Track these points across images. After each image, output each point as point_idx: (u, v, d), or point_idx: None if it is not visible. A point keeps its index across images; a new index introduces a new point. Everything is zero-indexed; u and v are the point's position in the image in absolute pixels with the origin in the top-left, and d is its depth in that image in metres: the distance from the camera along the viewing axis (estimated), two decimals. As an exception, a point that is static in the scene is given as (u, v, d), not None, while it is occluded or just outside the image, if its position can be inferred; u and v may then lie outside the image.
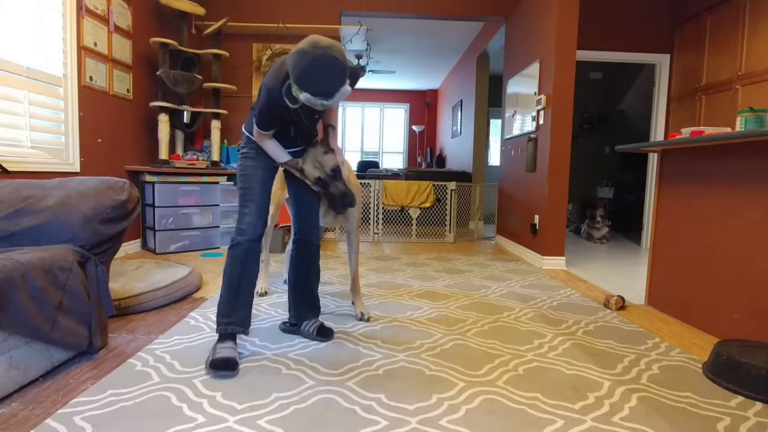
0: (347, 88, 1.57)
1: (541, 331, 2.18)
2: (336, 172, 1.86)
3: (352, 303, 2.39)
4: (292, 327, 2.09)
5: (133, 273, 2.62)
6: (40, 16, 2.86)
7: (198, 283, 2.75)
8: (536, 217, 3.91)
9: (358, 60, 7.56)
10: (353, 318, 2.29)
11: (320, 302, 2.13)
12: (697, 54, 4.34)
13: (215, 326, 1.82)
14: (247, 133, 1.94)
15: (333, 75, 1.53)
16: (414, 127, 9.93)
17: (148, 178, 3.83)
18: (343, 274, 3.27)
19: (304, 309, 2.07)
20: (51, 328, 1.50)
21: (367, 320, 2.26)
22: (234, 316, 1.80)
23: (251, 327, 2.11)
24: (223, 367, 1.63)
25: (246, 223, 1.84)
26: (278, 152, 1.88)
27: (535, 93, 3.96)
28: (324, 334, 2.01)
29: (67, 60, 3.06)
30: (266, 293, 2.68)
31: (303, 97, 1.54)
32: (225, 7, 4.77)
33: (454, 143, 8.03)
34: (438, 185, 5.14)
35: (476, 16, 4.90)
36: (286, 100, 1.67)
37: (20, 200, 1.77)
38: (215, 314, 1.94)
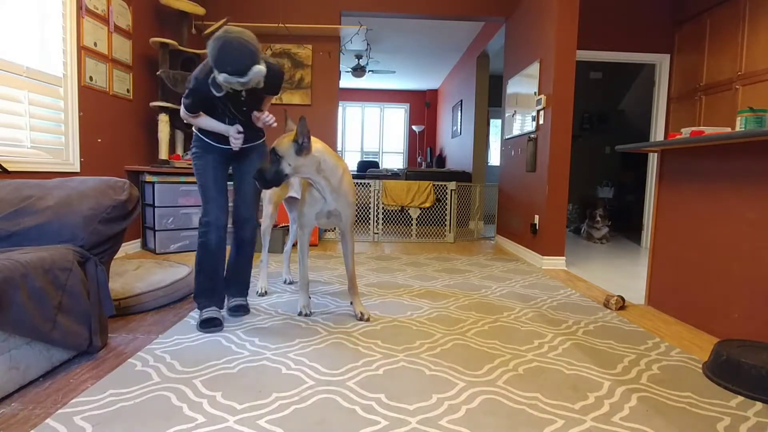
0: (261, 68, 1.77)
1: (541, 331, 2.18)
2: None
3: (351, 303, 2.39)
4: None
5: (133, 273, 2.62)
6: (40, 16, 2.86)
7: (198, 283, 2.74)
8: (536, 217, 3.91)
9: (358, 60, 7.56)
10: (353, 318, 2.29)
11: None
12: (697, 54, 4.34)
13: (197, 306, 2.16)
14: (196, 132, 2.15)
15: (243, 55, 1.73)
16: (414, 127, 9.93)
17: (148, 178, 3.83)
18: (343, 274, 3.27)
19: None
20: (51, 328, 1.50)
21: (367, 320, 2.26)
22: (214, 299, 2.16)
23: (251, 327, 2.12)
24: (211, 325, 2.05)
25: (211, 217, 2.10)
26: (217, 125, 2.06)
27: (535, 93, 3.96)
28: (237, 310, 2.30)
29: (67, 60, 3.06)
30: (266, 293, 2.68)
31: (222, 78, 1.75)
32: (225, 7, 4.77)
33: (454, 143, 8.03)
34: (438, 185, 5.14)
35: (476, 16, 4.90)
36: (212, 90, 1.89)
37: (20, 200, 1.77)
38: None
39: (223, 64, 1.73)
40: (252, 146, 2.22)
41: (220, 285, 2.19)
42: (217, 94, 1.91)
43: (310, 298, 2.47)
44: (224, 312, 2.28)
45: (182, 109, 2.01)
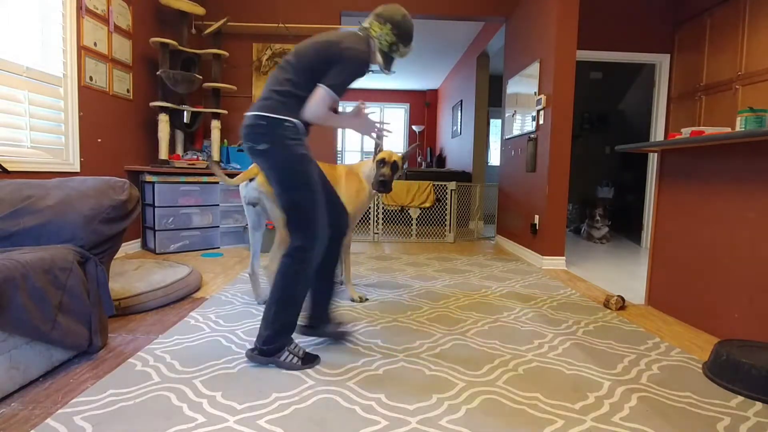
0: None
1: (541, 331, 2.18)
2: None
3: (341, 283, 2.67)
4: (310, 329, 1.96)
5: (133, 273, 2.62)
6: (40, 16, 2.86)
7: (198, 283, 2.75)
8: (536, 217, 3.91)
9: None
10: (353, 318, 2.29)
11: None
12: (697, 54, 4.34)
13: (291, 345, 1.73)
14: (296, 122, 1.72)
15: None
16: (414, 127, 9.92)
17: (148, 178, 3.83)
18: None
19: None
20: (51, 328, 1.50)
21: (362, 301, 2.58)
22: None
23: (251, 327, 2.12)
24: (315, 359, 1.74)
25: (322, 243, 1.72)
26: (344, 122, 1.91)
27: (535, 93, 3.96)
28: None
29: (67, 60, 3.06)
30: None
31: (409, 48, 1.95)
32: (225, 7, 4.77)
33: (454, 143, 8.03)
34: (438, 185, 5.14)
35: (476, 16, 4.90)
36: (381, 66, 1.94)
37: (20, 200, 1.77)
38: (215, 315, 2.13)
39: (412, 35, 1.95)
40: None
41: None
42: (388, 73, 1.99)
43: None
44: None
45: (322, 103, 1.70)
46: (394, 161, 2.56)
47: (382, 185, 2.50)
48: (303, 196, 1.69)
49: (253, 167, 2.31)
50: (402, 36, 1.90)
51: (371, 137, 1.98)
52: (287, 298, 1.67)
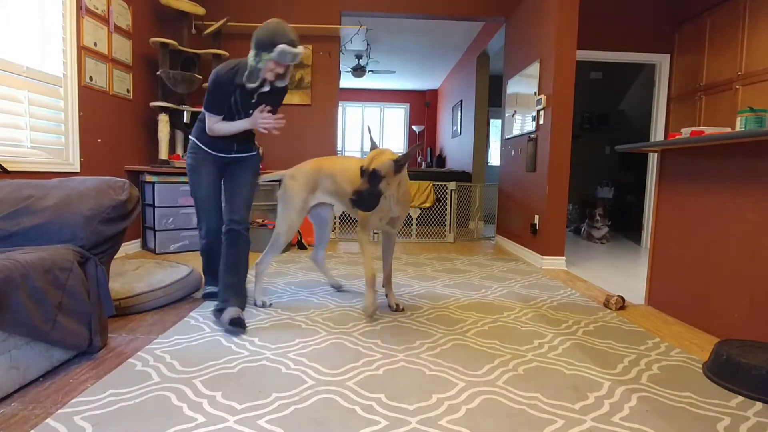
0: (301, 49, 2.07)
1: (541, 331, 2.18)
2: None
3: (386, 296, 2.52)
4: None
5: (133, 273, 2.62)
6: (40, 16, 2.86)
7: (198, 283, 2.74)
8: (536, 217, 3.91)
9: (358, 60, 7.56)
10: (353, 318, 2.29)
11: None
12: (697, 54, 4.34)
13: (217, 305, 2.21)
14: (193, 139, 2.35)
15: (292, 31, 2.06)
16: (414, 127, 9.93)
17: (148, 178, 3.83)
18: (343, 274, 3.27)
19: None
20: (51, 328, 1.50)
21: (402, 310, 2.45)
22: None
23: (251, 327, 2.12)
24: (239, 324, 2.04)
25: (214, 226, 2.38)
26: (236, 125, 2.22)
27: (535, 93, 3.96)
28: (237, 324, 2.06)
29: (67, 60, 3.06)
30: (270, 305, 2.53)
31: (277, 50, 1.99)
32: (225, 7, 4.77)
33: (454, 143, 8.03)
34: (438, 185, 5.14)
35: (476, 16, 4.90)
36: (247, 82, 2.12)
37: (20, 200, 1.77)
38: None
39: (282, 36, 2.01)
40: (246, 157, 2.41)
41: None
42: (250, 86, 2.14)
43: (376, 295, 2.33)
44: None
45: (207, 121, 2.22)
46: (373, 170, 2.01)
47: (355, 202, 2.03)
48: (192, 193, 2.38)
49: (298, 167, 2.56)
50: (258, 44, 2.05)
51: (265, 131, 2.20)
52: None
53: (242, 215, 2.27)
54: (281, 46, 1.99)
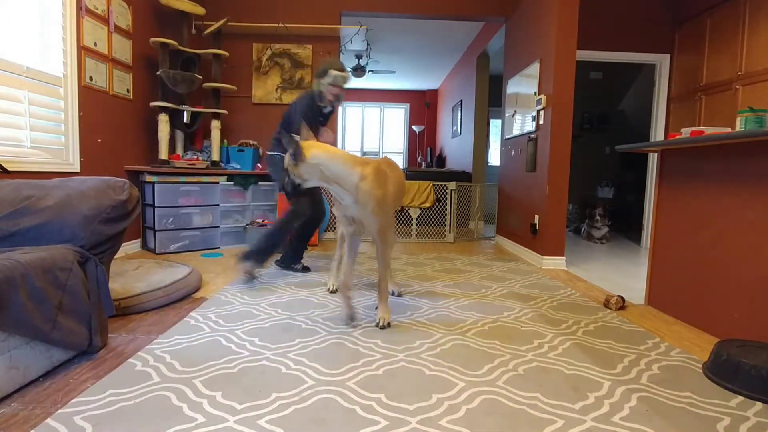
0: (348, 74, 3.05)
1: (541, 331, 2.18)
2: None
3: (376, 308, 2.40)
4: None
5: (133, 273, 2.62)
6: (40, 16, 2.86)
7: (198, 283, 2.75)
8: (536, 217, 3.91)
9: (358, 60, 7.56)
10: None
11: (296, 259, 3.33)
12: (697, 54, 4.34)
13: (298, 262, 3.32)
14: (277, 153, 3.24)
15: (339, 61, 3.09)
16: (414, 127, 9.92)
17: (148, 178, 3.83)
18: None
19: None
20: (51, 328, 1.50)
21: (383, 327, 2.16)
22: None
23: (251, 327, 2.12)
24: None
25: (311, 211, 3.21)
26: None
27: (535, 93, 3.96)
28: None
29: (67, 60, 3.05)
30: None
31: (331, 76, 3.00)
32: (225, 7, 4.77)
33: (454, 143, 8.03)
34: (438, 185, 5.14)
35: (476, 16, 4.90)
36: (319, 102, 3.13)
37: (20, 200, 1.77)
38: (215, 314, 2.12)
39: (333, 64, 3.04)
40: None
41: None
42: (321, 105, 3.15)
43: (347, 300, 2.23)
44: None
45: (289, 128, 3.07)
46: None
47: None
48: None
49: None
50: (317, 75, 3.09)
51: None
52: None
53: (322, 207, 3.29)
54: (333, 72, 2.99)
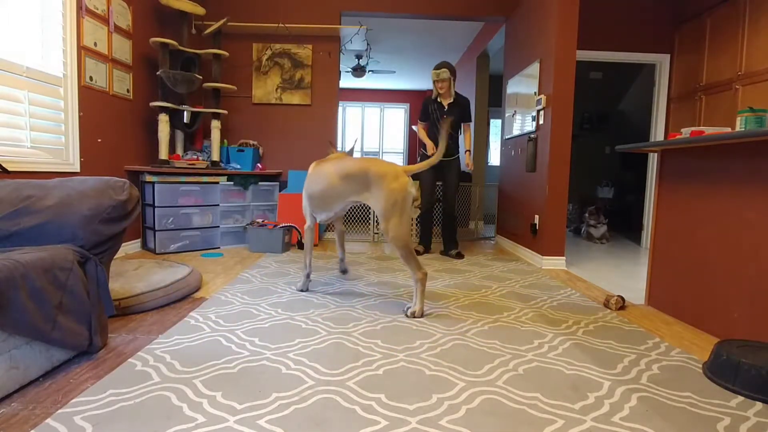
0: (447, 73, 3.85)
1: (541, 331, 2.18)
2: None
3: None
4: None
5: (133, 273, 2.62)
6: (40, 16, 2.86)
7: (198, 283, 2.75)
8: (536, 217, 3.91)
9: (358, 60, 7.56)
10: (353, 318, 2.29)
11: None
12: (697, 54, 4.34)
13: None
14: (422, 150, 4.12)
15: (442, 62, 3.89)
16: (414, 127, 9.91)
17: (148, 178, 3.83)
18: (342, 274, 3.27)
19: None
20: (51, 328, 1.50)
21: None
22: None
23: (251, 327, 2.12)
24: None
25: (428, 205, 4.10)
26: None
27: (535, 93, 3.96)
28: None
29: (67, 60, 3.06)
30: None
31: (432, 74, 3.85)
32: (225, 7, 4.77)
33: (454, 143, 8.01)
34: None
35: (476, 16, 4.90)
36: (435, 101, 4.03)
37: (20, 200, 1.77)
38: (215, 315, 2.11)
39: (436, 66, 3.87)
40: (451, 159, 4.01)
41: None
42: (434, 97, 3.98)
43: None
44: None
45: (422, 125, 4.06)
46: None
47: None
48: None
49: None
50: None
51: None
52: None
53: (451, 203, 4.09)
54: (433, 71, 3.85)
